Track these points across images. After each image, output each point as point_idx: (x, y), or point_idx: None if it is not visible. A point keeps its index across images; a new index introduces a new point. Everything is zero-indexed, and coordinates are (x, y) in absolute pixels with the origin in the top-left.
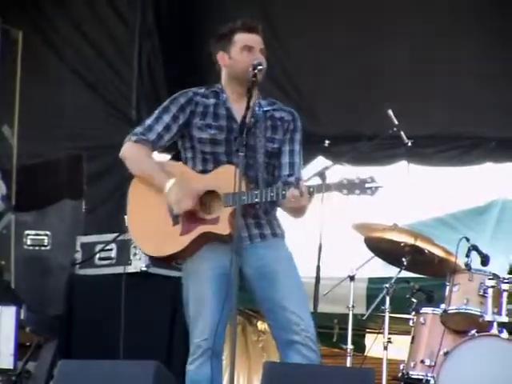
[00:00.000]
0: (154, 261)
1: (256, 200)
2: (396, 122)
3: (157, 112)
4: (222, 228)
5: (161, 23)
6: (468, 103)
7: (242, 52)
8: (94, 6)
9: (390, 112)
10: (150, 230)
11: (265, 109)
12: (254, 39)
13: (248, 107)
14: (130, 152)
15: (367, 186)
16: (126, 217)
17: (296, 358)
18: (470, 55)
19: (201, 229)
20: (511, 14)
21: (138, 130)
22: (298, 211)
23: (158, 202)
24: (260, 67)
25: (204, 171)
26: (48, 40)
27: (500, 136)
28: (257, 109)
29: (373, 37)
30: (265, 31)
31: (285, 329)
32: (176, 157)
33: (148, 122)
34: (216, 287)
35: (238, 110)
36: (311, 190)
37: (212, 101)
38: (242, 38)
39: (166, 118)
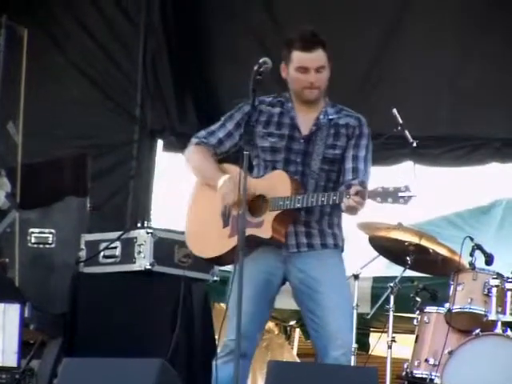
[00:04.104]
0: (209, 263)
1: (298, 205)
2: (400, 121)
3: (223, 119)
4: (264, 232)
5: (166, 21)
6: (473, 103)
7: (297, 71)
8: (99, 3)
9: (395, 111)
10: (202, 230)
11: (330, 117)
12: (311, 59)
13: (253, 106)
14: (190, 154)
15: (400, 194)
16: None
17: None
18: (476, 55)
19: (246, 232)
20: None
21: (202, 133)
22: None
23: (213, 204)
24: (265, 65)
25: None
26: (53, 37)
27: (505, 136)
28: (321, 117)
29: (378, 36)
30: (269, 28)
31: (323, 341)
32: None
33: (212, 127)
34: (256, 290)
35: (304, 119)
36: (347, 196)
37: (277, 110)
38: (297, 58)
39: (229, 126)
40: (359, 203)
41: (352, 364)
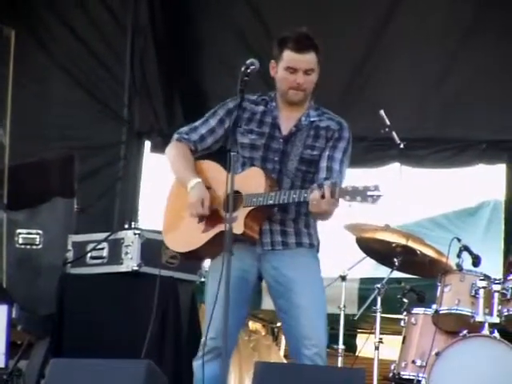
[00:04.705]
0: (183, 257)
1: (270, 202)
2: (388, 123)
3: (206, 115)
4: (237, 227)
5: (154, 21)
6: (460, 105)
7: (286, 71)
8: (87, 5)
9: (382, 112)
10: (177, 225)
11: (312, 119)
12: (301, 60)
13: (240, 106)
14: (169, 150)
15: (369, 193)
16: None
17: None
18: (464, 57)
19: (219, 227)
20: (505, 17)
21: (184, 129)
22: (320, 215)
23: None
24: (253, 67)
25: None
26: (40, 39)
27: (491, 138)
28: (303, 119)
29: (366, 38)
30: (257, 29)
31: (296, 340)
32: None
33: (195, 123)
34: (231, 288)
35: (286, 119)
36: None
37: (261, 108)
38: (288, 58)
39: (213, 122)
40: (326, 199)
41: (339, 365)
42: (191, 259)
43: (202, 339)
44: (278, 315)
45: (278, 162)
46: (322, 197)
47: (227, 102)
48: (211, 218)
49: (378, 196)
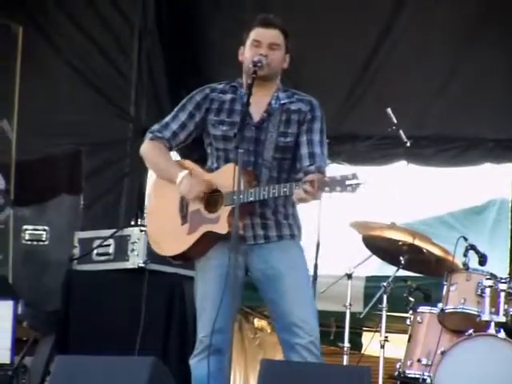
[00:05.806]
0: (171, 260)
1: (251, 199)
2: (395, 121)
3: (175, 110)
4: (221, 227)
5: (161, 20)
6: (467, 104)
7: (251, 45)
8: (95, 2)
9: (389, 110)
10: (162, 228)
11: (282, 102)
12: (265, 34)
13: (248, 103)
14: (146, 150)
15: (348, 182)
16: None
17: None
18: (469, 55)
19: (203, 228)
20: (510, 17)
21: (155, 127)
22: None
23: (172, 201)
24: (260, 64)
25: (217, 168)
26: (48, 35)
27: (499, 137)
28: (273, 102)
29: (372, 35)
30: None
31: (288, 331)
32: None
33: (166, 119)
34: (220, 285)
35: (256, 105)
36: (296, 187)
37: (229, 96)
38: (254, 33)
39: (182, 117)
40: (310, 193)
41: (344, 363)
42: (179, 261)
43: (199, 336)
44: (268, 309)
45: (253, 152)
46: (305, 192)
47: (194, 95)
48: (194, 219)
49: (357, 184)
